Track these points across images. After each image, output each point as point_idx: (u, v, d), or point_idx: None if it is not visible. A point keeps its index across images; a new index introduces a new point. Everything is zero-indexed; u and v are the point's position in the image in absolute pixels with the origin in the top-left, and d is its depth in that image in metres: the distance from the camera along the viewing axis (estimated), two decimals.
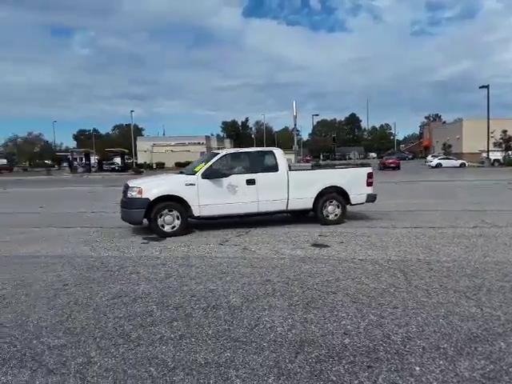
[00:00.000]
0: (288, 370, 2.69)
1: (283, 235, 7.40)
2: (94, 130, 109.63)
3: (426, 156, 63.27)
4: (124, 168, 50.16)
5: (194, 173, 8.10)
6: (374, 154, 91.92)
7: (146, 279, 4.84)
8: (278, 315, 3.62)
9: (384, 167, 41.90)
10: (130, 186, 7.93)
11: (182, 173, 8.98)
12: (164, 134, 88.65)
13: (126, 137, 79.86)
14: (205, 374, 2.67)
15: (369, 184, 8.94)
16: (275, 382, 2.56)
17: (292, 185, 8.41)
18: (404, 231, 7.52)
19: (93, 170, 50.83)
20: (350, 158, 50.82)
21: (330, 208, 8.62)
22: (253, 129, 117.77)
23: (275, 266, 5.29)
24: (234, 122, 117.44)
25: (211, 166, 8.12)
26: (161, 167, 56.16)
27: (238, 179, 8.16)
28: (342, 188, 8.69)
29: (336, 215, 8.63)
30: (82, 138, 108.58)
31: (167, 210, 7.70)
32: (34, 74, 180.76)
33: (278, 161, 8.47)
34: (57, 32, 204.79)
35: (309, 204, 8.55)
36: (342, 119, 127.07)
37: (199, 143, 64.14)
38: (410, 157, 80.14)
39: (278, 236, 7.35)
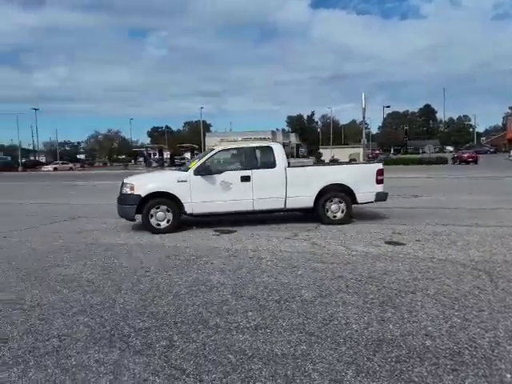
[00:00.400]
0: (367, 368, 2.63)
1: (354, 232, 7.22)
2: (167, 126, 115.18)
3: (511, 149, 57.87)
4: None
5: (187, 169, 8.03)
6: (450, 148, 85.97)
7: (219, 270, 5.01)
8: (353, 312, 3.55)
9: (460, 161, 39.16)
10: (125, 182, 8.01)
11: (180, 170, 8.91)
12: (231, 130, 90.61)
13: (195, 133, 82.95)
14: (282, 364, 2.71)
15: (379, 181, 8.28)
16: (354, 378, 2.52)
17: (290, 182, 7.97)
18: (488, 230, 6.96)
19: (165, 164, 53.52)
20: (423, 152, 48.02)
21: (333, 207, 8.10)
22: (318, 123, 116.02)
23: (347, 263, 5.18)
24: (299, 116, 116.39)
25: (204, 162, 7.97)
26: None
27: (232, 176, 7.89)
28: (346, 186, 8.12)
29: (340, 215, 8.11)
30: (156, 134, 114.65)
31: (159, 206, 7.68)
32: (113, 75, 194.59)
33: (276, 157, 8.06)
34: (133, 34, 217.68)
35: (309, 203, 8.07)
36: (415, 110, 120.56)
37: (265, 138, 64.58)
38: (492, 150, 73.83)
39: (349, 232, 7.18)
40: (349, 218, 8.22)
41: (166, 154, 61.06)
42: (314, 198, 8.01)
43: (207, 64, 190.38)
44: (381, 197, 8.35)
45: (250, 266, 5.16)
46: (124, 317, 3.61)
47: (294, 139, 48.14)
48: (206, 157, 8.14)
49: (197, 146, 59.86)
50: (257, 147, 8.48)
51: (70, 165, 61.33)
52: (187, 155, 58.29)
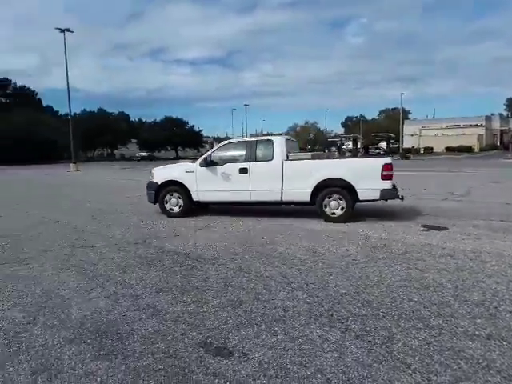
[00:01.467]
0: None
1: None
2: (361, 115, 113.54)
3: None
4: (388, 153, 49.92)
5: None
6: None
7: (434, 268, 4.65)
8: None
9: None
10: (151, 171, 9.32)
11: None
12: (434, 117, 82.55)
13: (392, 121, 79.06)
14: None
15: (385, 177, 7.53)
16: None
17: (287, 175, 8.02)
18: None
19: (359, 154, 52.97)
20: None
21: (332, 203, 7.78)
22: None
23: None
24: None
25: (210, 154, 8.66)
26: (428, 152, 52.86)
27: (232, 168, 8.37)
28: (345, 181, 7.65)
29: (339, 212, 7.73)
30: (349, 124, 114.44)
31: (172, 193, 8.81)
32: (312, 68, 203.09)
33: (275, 150, 8.16)
34: (333, 25, 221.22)
35: (305, 197, 7.94)
36: None
37: (477, 125, 56.49)
38: None
39: None
40: (348, 216, 7.72)
41: (360, 144, 60.28)
42: (310, 192, 7.89)
43: (407, 47, 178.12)
44: (388, 194, 7.65)
45: (471, 268, 4.62)
46: (339, 300, 3.75)
47: None
48: (213, 149, 8.92)
49: (393, 135, 56.99)
50: (259, 141, 8.63)
51: None
52: (382, 145, 56.22)
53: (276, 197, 8.20)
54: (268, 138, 8.79)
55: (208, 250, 5.75)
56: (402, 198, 7.97)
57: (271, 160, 8.19)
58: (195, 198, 8.73)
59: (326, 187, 7.85)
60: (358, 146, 56.55)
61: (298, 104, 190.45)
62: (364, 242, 6.08)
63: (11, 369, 2.67)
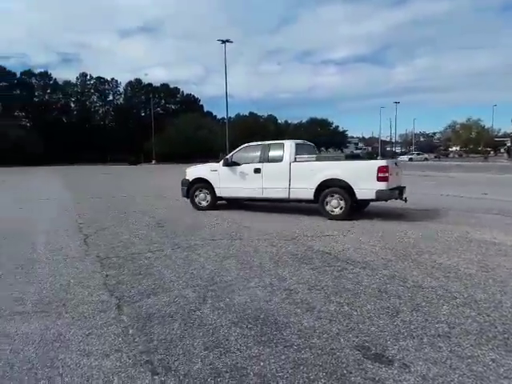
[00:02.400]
0: None
1: None
2: None
3: None
4: None
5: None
6: None
7: None
8: None
9: None
10: (185, 170, 10.65)
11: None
12: None
13: None
14: None
15: (380, 179, 7.96)
16: None
17: (293, 175, 8.83)
18: None
19: None
20: None
21: (333, 202, 8.43)
22: None
23: None
24: None
25: (232, 155, 9.76)
26: None
27: (248, 168, 9.37)
28: (344, 181, 8.28)
29: (338, 211, 8.35)
30: None
31: (201, 189, 10.12)
32: (474, 60, 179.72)
33: (285, 152, 9.02)
34: (499, 10, 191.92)
35: (309, 195, 8.66)
36: None
37: None
38: None
39: None
40: (347, 215, 8.25)
41: None
42: (313, 191, 8.57)
43: None
44: (383, 195, 8.11)
45: None
46: None
47: None
48: (234, 151, 9.95)
49: None
50: (272, 144, 9.57)
51: (425, 155, 62.43)
52: None
53: (284, 194, 9.05)
54: (280, 142, 9.69)
55: (357, 253, 5.62)
56: (406, 200, 8.90)
57: (281, 161, 9.06)
58: (218, 193, 9.98)
59: (328, 187, 8.49)
60: None
61: (457, 99, 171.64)
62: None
63: (188, 342, 3.06)
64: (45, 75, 78.62)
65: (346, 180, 8.28)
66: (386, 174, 8.01)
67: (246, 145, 10.06)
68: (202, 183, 10.16)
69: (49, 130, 67.51)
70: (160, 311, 3.63)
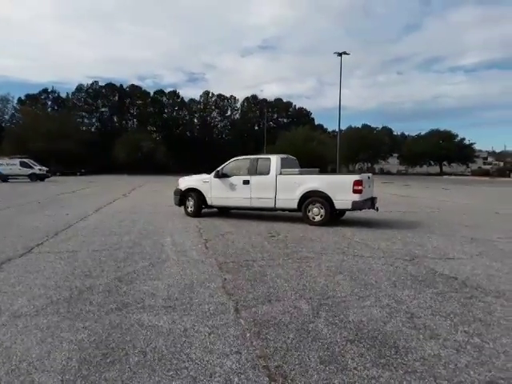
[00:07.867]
0: None
1: None
2: None
3: None
4: None
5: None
6: None
7: None
8: None
9: None
10: (178, 180, 11.68)
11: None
12: None
13: None
14: None
15: (355, 191, 8.93)
16: None
17: (279, 187, 9.84)
18: None
19: None
20: None
21: (314, 210, 9.41)
22: None
23: None
24: None
25: (222, 168, 10.75)
26: None
27: (237, 179, 10.37)
28: (323, 192, 9.24)
29: (319, 218, 9.36)
30: None
31: (189, 197, 11.10)
32: None
33: (271, 166, 9.99)
34: None
35: (293, 205, 9.68)
36: None
37: None
38: None
39: None
40: (326, 221, 9.27)
41: None
42: (297, 201, 9.61)
43: None
44: (358, 205, 9.10)
45: None
46: None
47: None
48: (224, 164, 10.74)
49: None
50: (260, 158, 10.54)
51: None
52: None
53: (271, 204, 9.97)
54: (267, 156, 10.61)
55: (488, 281, 5.02)
56: (377, 209, 10.05)
57: (268, 174, 9.92)
58: (209, 202, 10.89)
59: (309, 197, 9.45)
60: None
61: None
62: None
63: (303, 353, 3.06)
64: (173, 94, 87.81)
65: (325, 192, 9.30)
66: (360, 187, 9.04)
67: (236, 158, 10.97)
68: (193, 193, 11.09)
69: (174, 144, 74.94)
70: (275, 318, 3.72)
